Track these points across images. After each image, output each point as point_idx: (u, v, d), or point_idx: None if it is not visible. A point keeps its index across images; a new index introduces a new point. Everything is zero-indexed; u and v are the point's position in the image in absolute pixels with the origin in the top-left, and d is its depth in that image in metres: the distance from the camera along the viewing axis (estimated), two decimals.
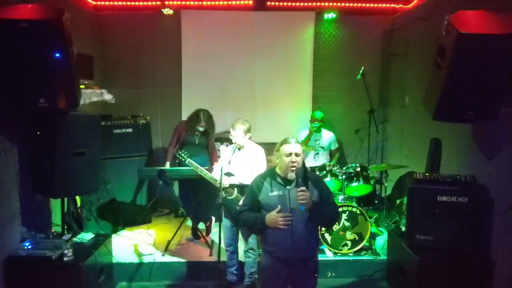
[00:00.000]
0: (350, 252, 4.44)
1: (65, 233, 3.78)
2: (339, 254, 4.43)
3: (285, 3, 6.11)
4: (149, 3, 5.99)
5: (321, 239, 4.37)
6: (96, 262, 3.56)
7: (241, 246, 4.02)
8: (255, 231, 2.80)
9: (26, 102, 3.04)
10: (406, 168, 5.02)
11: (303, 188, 2.55)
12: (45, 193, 3.58)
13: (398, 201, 5.27)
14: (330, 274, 4.32)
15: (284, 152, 2.72)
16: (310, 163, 5.68)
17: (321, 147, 5.78)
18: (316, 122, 5.66)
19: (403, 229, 3.99)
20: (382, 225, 5.09)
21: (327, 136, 5.85)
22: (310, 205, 2.56)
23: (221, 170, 3.59)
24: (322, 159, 5.79)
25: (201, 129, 4.99)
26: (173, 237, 4.72)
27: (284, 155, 2.71)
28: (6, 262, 3.24)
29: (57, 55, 2.91)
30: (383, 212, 5.18)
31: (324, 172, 5.10)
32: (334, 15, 6.10)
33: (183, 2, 6.03)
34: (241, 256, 4.11)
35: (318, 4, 6.09)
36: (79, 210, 4.64)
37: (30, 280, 3.26)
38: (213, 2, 6.06)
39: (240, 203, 3.47)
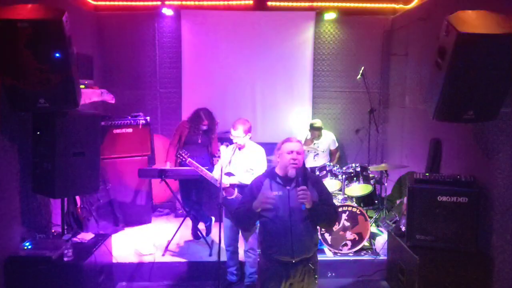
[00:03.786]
0: (350, 252, 4.44)
1: (65, 233, 3.78)
2: (339, 254, 4.43)
3: (285, 3, 6.11)
4: (149, 3, 5.99)
5: (321, 239, 4.37)
6: (96, 262, 3.56)
7: (241, 246, 4.02)
8: (246, 221, 2.78)
9: (26, 103, 3.04)
10: (406, 168, 5.02)
11: (304, 187, 2.55)
12: (45, 193, 3.57)
13: (398, 201, 5.27)
14: (330, 274, 4.33)
15: (286, 149, 2.73)
16: (310, 163, 5.68)
17: (322, 151, 5.79)
18: (317, 132, 5.69)
19: (403, 229, 3.99)
20: (382, 225, 5.09)
21: (326, 138, 5.85)
22: (311, 204, 2.56)
23: (221, 170, 3.59)
24: (322, 160, 5.78)
25: (205, 127, 4.97)
26: (173, 237, 4.71)
27: (285, 152, 2.72)
28: (6, 262, 3.24)
29: (57, 55, 2.91)
30: (383, 212, 5.18)
31: (324, 172, 5.09)
32: (334, 15, 6.10)
33: (183, 2, 6.04)
34: (241, 256, 4.11)
35: (318, 4, 6.09)
36: (79, 210, 4.65)
37: (30, 280, 3.26)
38: (213, 2, 6.06)
39: None
